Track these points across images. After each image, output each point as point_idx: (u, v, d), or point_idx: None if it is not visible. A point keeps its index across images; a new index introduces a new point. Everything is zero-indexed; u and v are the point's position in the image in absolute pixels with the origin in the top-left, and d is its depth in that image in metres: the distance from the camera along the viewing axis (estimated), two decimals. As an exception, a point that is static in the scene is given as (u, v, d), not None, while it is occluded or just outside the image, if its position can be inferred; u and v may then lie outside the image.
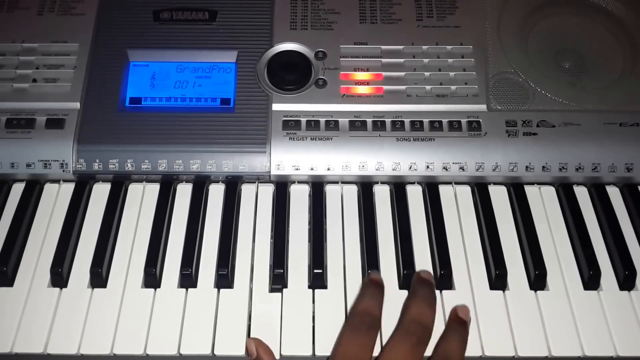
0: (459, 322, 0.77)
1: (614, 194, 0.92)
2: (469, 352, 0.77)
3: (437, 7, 1.00)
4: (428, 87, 0.94)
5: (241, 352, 0.77)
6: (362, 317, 0.74)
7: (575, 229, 0.87)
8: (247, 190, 0.91)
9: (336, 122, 0.91)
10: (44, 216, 0.89)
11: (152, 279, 0.82)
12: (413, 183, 0.92)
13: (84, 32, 0.97)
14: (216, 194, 0.91)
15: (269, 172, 0.89)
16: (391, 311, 0.80)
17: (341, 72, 0.95)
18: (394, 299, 0.81)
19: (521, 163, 0.90)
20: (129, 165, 0.89)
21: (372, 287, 0.79)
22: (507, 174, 0.90)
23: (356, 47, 0.97)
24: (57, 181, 0.92)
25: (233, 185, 0.91)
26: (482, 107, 0.93)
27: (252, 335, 0.78)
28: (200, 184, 0.91)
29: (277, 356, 0.77)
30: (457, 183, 0.92)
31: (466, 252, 0.86)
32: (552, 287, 0.83)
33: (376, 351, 0.75)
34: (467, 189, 0.92)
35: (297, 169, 0.89)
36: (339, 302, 0.81)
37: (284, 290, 0.82)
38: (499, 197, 0.91)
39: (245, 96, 0.93)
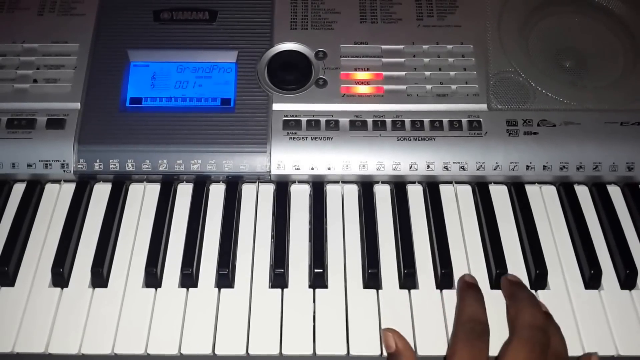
0: (549, 317, 0.77)
1: (615, 193, 0.91)
2: (469, 352, 0.77)
3: (437, 7, 1.00)
4: (428, 87, 0.93)
5: (241, 351, 0.77)
6: (472, 325, 0.74)
7: (576, 228, 0.87)
8: (247, 190, 0.91)
9: (336, 121, 0.91)
10: (45, 216, 0.89)
11: (152, 278, 0.83)
12: (414, 182, 0.92)
13: (84, 33, 0.97)
14: (217, 193, 0.91)
15: (270, 171, 0.89)
16: (394, 309, 0.80)
17: (341, 72, 0.95)
18: (396, 298, 0.81)
19: (522, 162, 0.90)
20: (129, 165, 0.89)
21: (472, 290, 0.78)
22: (507, 173, 0.90)
23: (356, 46, 0.97)
24: (58, 181, 0.92)
25: (233, 185, 0.91)
26: (483, 106, 0.92)
27: (251, 334, 0.78)
28: (201, 184, 0.91)
29: (277, 355, 0.77)
30: (457, 182, 0.92)
31: (467, 252, 0.86)
32: (553, 287, 0.83)
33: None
34: (467, 189, 0.92)
35: (297, 169, 0.89)
36: (340, 301, 0.81)
37: (285, 289, 0.82)
38: (500, 196, 0.91)
39: (245, 96, 0.93)
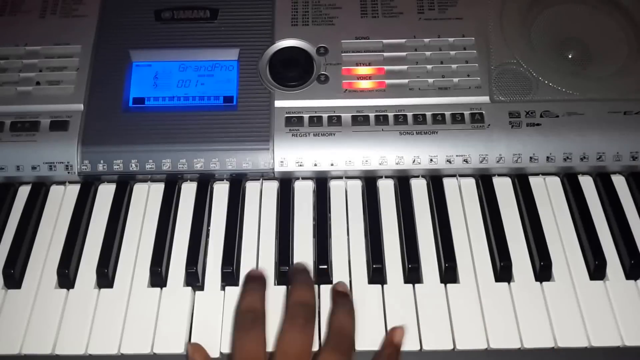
0: (340, 295, 0.79)
1: (620, 183, 0.91)
2: (474, 345, 0.77)
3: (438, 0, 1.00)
4: (430, 80, 0.93)
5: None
6: (245, 315, 0.75)
7: (581, 219, 0.87)
8: (251, 188, 0.92)
9: (339, 117, 0.91)
10: (50, 218, 0.89)
11: (158, 278, 0.83)
12: (417, 177, 0.92)
13: (86, 34, 0.98)
14: (220, 192, 0.91)
15: (273, 169, 0.90)
16: (396, 304, 0.80)
17: (343, 67, 0.95)
18: (399, 293, 0.81)
19: (525, 154, 0.89)
20: (133, 165, 0.90)
21: (252, 282, 0.79)
22: (511, 165, 0.90)
23: (358, 41, 0.96)
24: (62, 183, 0.92)
25: (237, 182, 0.91)
26: (485, 98, 0.92)
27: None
28: (205, 183, 0.92)
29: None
30: (461, 175, 0.92)
31: (471, 245, 0.86)
32: (557, 278, 0.83)
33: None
34: (471, 182, 0.92)
35: (300, 165, 0.90)
36: (344, 297, 0.81)
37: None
38: (504, 188, 0.91)
39: (247, 94, 0.94)
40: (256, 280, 0.80)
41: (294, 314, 0.74)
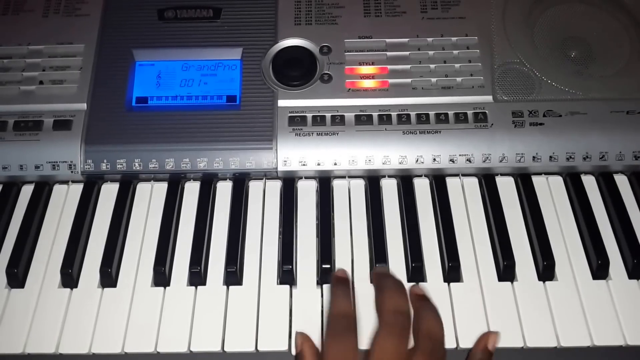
0: (422, 298, 0.77)
1: (622, 182, 0.91)
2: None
3: (441, -1, 1.00)
4: (433, 80, 0.93)
5: (250, 348, 0.78)
6: (339, 320, 0.73)
7: (584, 218, 0.87)
8: (254, 187, 0.92)
9: (342, 116, 0.91)
10: (53, 217, 0.90)
11: (161, 277, 0.83)
12: (420, 176, 0.92)
13: (89, 33, 0.98)
14: (224, 191, 0.91)
15: (276, 168, 0.90)
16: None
17: (346, 67, 0.95)
18: (402, 293, 0.81)
19: (528, 153, 0.89)
20: (136, 164, 0.90)
21: (340, 284, 0.78)
22: (514, 164, 0.90)
23: (361, 41, 0.97)
24: (65, 182, 0.93)
25: (240, 182, 0.91)
26: (488, 98, 0.92)
27: (260, 331, 0.79)
28: (208, 182, 0.92)
29: (286, 351, 0.78)
30: (464, 175, 0.92)
31: (474, 244, 0.86)
32: (560, 278, 0.83)
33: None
34: (474, 181, 0.92)
35: (303, 165, 0.90)
36: (347, 296, 0.81)
37: (293, 286, 0.83)
38: (507, 188, 0.91)
39: (251, 93, 0.94)
40: (344, 282, 0.78)
41: (390, 321, 0.72)
